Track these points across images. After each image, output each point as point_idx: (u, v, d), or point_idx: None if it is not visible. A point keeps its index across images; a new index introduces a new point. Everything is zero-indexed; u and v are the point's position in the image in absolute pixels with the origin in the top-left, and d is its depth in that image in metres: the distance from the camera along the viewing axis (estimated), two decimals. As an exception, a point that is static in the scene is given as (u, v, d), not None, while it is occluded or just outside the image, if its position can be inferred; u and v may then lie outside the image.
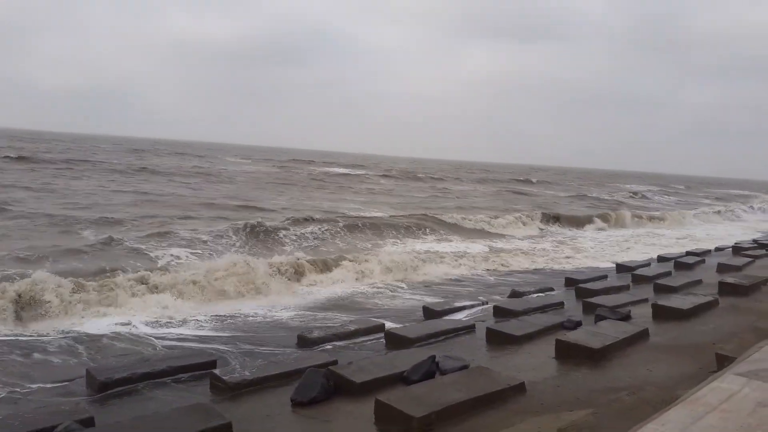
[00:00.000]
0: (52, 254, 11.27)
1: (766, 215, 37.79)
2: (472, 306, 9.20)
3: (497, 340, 6.72)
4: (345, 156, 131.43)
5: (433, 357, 5.38)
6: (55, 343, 7.09)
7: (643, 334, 6.46)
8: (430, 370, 5.18)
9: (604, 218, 25.95)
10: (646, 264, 13.15)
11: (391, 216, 21.00)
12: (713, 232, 25.56)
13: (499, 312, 8.25)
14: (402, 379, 5.13)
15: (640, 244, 19.96)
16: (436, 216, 21.37)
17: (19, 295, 8.28)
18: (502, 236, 20.09)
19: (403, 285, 11.57)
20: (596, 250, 18.18)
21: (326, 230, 16.93)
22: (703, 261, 13.30)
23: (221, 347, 7.05)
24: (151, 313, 8.66)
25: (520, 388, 4.76)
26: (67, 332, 7.59)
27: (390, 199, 31.51)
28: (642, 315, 7.58)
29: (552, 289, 10.53)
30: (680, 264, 12.67)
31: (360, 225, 18.15)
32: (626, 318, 7.36)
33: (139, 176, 32.59)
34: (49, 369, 6.25)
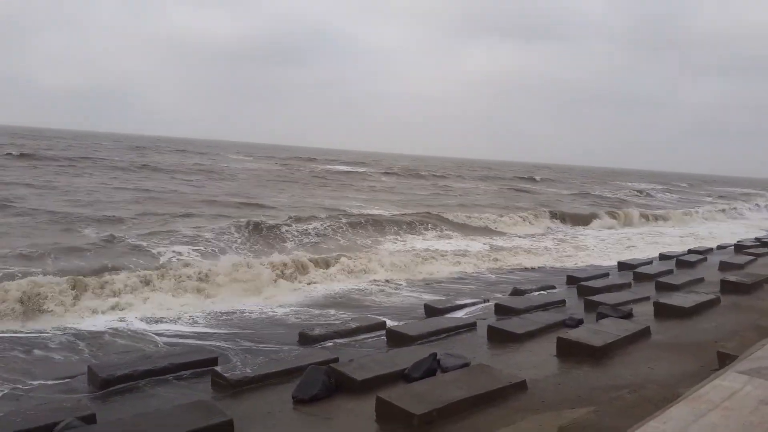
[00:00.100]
0: (54, 252, 11.28)
1: (769, 213, 37.74)
2: (474, 304, 9.20)
3: (498, 337, 6.72)
4: (346, 153, 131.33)
5: (435, 354, 5.38)
6: (56, 340, 7.11)
7: (644, 332, 6.46)
8: (431, 368, 5.18)
9: (612, 216, 25.89)
10: (648, 262, 13.11)
11: (393, 214, 20.98)
12: (716, 230, 25.49)
13: (501, 310, 8.24)
14: (403, 377, 5.13)
15: (642, 242, 19.92)
16: (440, 214, 21.34)
17: (21, 293, 8.30)
18: (503, 234, 20.06)
19: (404, 282, 11.57)
20: (598, 248, 18.16)
21: (328, 227, 16.92)
22: (705, 259, 13.27)
23: (222, 344, 7.06)
24: (152, 310, 8.68)
25: (521, 386, 4.76)
26: (68, 329, 7.61)
27: (392, 196, 31.49)
28: (644, 313, 7.56)
29: (553, 287, 10.52)
30: (682, 262, 12.63)
31: (362, 222, 18.14)
32: (628, 316, 7.34)
33: (140, 173, 32.58)
34: (50, 366, 6.26)
